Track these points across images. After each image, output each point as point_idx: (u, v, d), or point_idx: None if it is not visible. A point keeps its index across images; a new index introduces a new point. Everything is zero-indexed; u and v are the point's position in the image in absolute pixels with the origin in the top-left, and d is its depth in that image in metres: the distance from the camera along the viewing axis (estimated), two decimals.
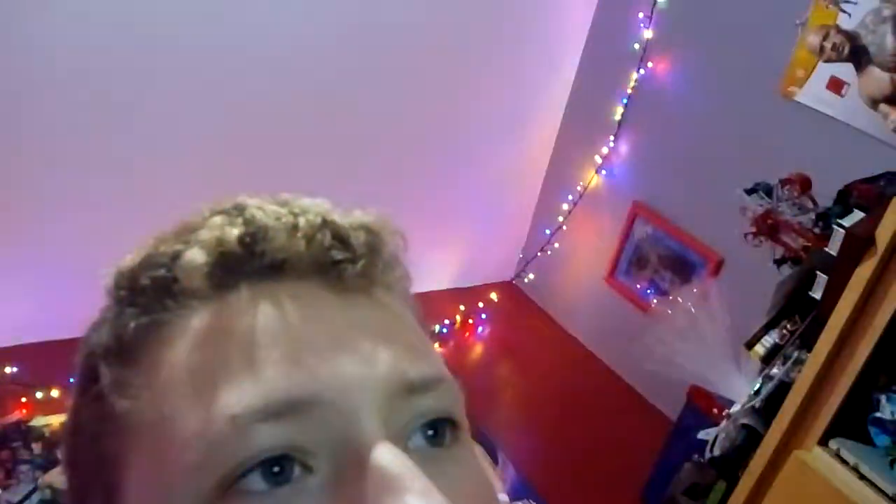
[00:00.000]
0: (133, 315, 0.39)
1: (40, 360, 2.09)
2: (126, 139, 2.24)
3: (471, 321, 3.16)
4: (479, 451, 2.64)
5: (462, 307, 3.14)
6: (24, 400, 2.15)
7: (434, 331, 3.03)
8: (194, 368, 0.37)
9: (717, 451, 1.69)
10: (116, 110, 2.20)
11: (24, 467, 1.98)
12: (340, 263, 0.40)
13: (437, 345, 2.99)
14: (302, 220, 0.40)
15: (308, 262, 0.40)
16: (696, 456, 1.90)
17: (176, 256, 0.39)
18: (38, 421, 2.07)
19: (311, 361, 0.37)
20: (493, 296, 3.23)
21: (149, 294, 0.39)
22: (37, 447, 2.01)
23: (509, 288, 3.35)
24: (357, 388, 0.36)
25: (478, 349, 3.14)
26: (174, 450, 0.35)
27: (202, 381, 0.36)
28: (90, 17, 2.05)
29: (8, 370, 2.17)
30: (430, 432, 0.39)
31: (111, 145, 2.22)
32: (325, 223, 0.41)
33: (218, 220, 0.41)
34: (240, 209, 0.41)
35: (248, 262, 0.39)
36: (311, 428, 0.35)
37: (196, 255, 0.39)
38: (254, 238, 0.39)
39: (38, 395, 2.15)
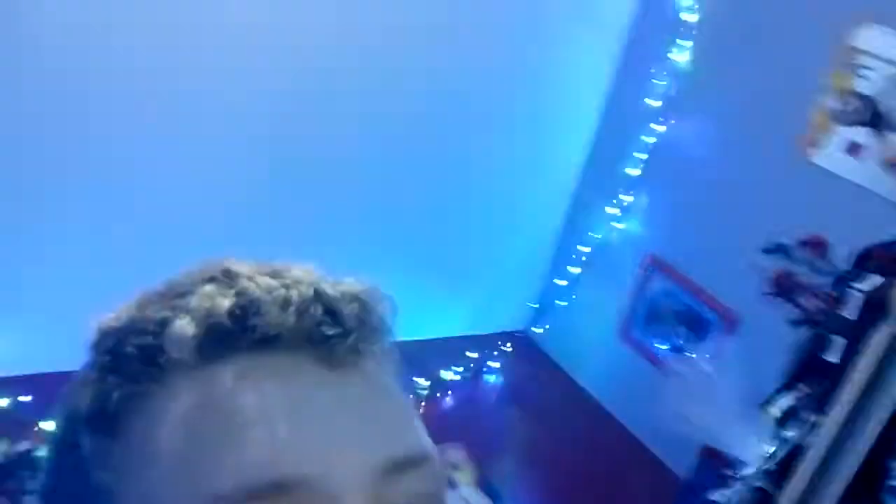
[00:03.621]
0: (117, 384, 0.39)
1: (55, 390, 2.09)
2: (143, 147, 2.27)
3: (483, 370, 3.15)
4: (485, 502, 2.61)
5: (474, 355, 3.13)
6: (36, 430, 2.15)
7: (445, 378, 3.01)
8: (179, 446, 0.37)
9: None
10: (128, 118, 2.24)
11: (30, 498, 1.96)
12: (331, 338, 0.40)
13: (447, 392, 2.98)
14: (294, 294, 0.40)
15: (299, 337, 0.40)
16: None
17: (164, 324, 0.39)
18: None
19: (298, 442, 0.37)
20: (507, 345, 3.22)
21: (134, 363, 0.39)
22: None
23: (522, 338, 3.34)
24: (343, 469, 0.37)
25: (489, 398, 3.13)
26: None
27: (187, 460, 0.36)
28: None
29: (21, 399, 2.17)
30: None
31: (129, 157, 2.26)
32: (317, 296, 0.41)
33: (209, 288, 0.40)
34: (231, 278, 0.41)
35: (239, 336, 0.39)
36: None
37: (185, 327, 0.38)
38: (245, 311, 0.39)
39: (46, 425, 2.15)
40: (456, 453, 2.72)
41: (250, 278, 0.41)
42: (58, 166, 2.17)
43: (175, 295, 0.41)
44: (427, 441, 0.42)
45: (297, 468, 0.36)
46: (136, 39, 2.14)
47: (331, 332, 0.40)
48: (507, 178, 3.00)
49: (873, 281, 1.45)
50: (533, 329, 3.35)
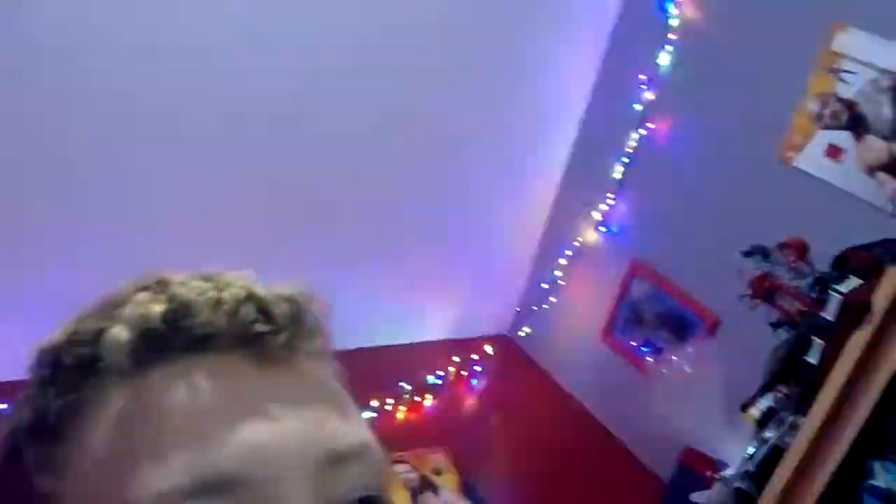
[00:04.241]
0: (56, 395, 0.39)
1: None
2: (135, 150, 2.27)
3: (465, 373, 3.14)
4: None
5: (456, 359, 3.12)
6: None
7: (428, 382, 3.01)
8: (116, 449, 0.37)
9: None
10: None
11: None
12: (264, 336, 0.41)
13: (430, 396, 2.98)
14: (225, 295, 0.41)
15: (232, 336, 0.41)
16: None
17: (99, 334, 0.40)
18: None
19: (233, 439, 0.37)
20: (488, 349, 3.21)
21: (72, 373, 0.40)
22: None
23: (505, 341, 3.34)
24: (283, 463, 0.37)
25: (471, 402, 3.12)
26: None
27: (123, 462, 0.37)
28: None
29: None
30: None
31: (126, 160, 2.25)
32: (249, 296, 0.42)
33: (142, 296, 0.41)
34: (164, 285, 0.42)
35: (172, 339, 0.40)
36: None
37: (120, 333, 0.39)
38: (177, 314, 0.40)
39: None
40: (439, 457, 2.72)
41: (183, 284, 0.42)
42: (52, 175, 2.16)
43: (110, 306, 0.41)
44: (367, 433, 0.43)
45: (233, 466, 0.36)
46: (133, 40, 2.13)
47: (263, 329, 0.41)
48: (490, 181, 3.00)
49: (851, 283, 1.45)
50: (516, 332, 3.35)
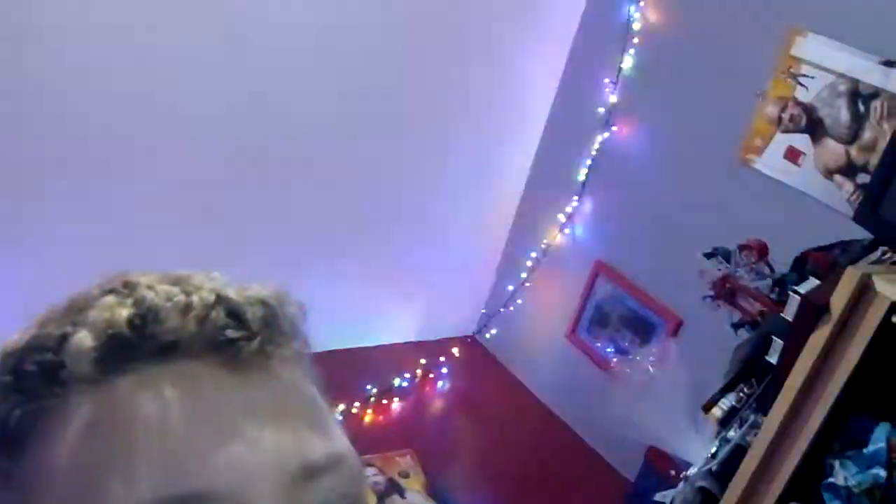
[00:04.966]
0: (17, 402, 0.38)
1: None
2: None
3: (431, 375, 3.14)
4: None
5: (423, 361, 3.12)
6: None
7: (394, 384, 3.00)
8: (80, 463, 0.36)
9: None
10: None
11: None
12: (236, 341, 0.39)
13: (396, 398, 2.97)
14: (195, 299, 0.39)
15: (201, 342, 0.39)
16: None
17: (63, 339, 0.38)
18: None
19: (203, 452, 0.35)
20: (455, 350, 3.22)
21: (34, 380, 0.38)
22: None
23: (471, 343, 3.34)
24: (255, 476, 0.36)
25: (438, 404, 3.12)
26: None
27: (88, 478, 0.35)
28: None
29: None
30: None
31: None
32: (219, 300, 0.40)
33: (108, 300, 0.39)
34: (130, 288, 0.40)
35: (139, 346, 0.38)
36: None
37: (84, 339, 0.37)
38: (144, 320, 0.38)
39: None
40: (406, 459, 2.71)
41: (150, 287, 0.40)
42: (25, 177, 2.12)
43: (75, 310, 0.40)
44: (342, 441, 0.41)
45: (203, 480, 0.35)
46: (113, 39, 2.10)
47: (235, 335, 0.39)
48: (456, 184, 3.01)
49: (810, 284, 1.48)
50: (482, 334, 3.36)
